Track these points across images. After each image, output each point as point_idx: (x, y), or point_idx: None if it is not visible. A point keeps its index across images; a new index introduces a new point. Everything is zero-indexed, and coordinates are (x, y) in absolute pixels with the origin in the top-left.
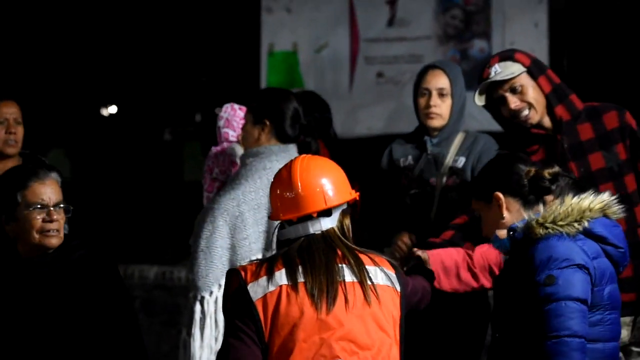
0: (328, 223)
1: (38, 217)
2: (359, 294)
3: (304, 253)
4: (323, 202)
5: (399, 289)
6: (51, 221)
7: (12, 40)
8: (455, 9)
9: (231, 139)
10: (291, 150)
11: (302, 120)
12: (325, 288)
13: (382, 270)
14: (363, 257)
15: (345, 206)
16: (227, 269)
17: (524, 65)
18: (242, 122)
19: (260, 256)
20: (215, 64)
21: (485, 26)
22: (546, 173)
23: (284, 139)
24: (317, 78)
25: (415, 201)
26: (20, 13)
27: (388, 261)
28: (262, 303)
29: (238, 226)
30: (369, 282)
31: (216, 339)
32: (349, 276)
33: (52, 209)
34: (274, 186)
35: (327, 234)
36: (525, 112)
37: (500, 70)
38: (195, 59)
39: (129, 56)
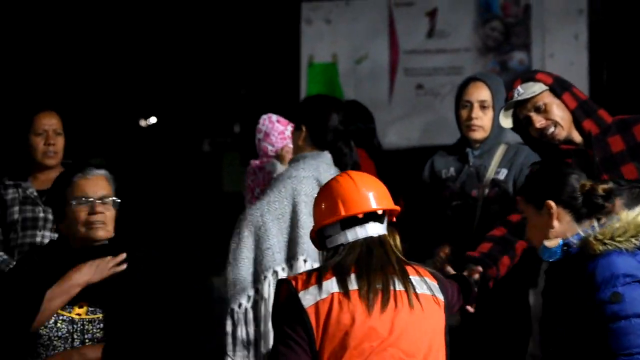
0: (381, 229)
1: (82, 210)
2: (406, 303)
3: (363, 259)
4: (369, 203)
5: (441, 298)
6: (95, 213)
7: (53, 50)
8: (494, 21)
9: (270, 153)
10: (324, 157)
11: (339, 126)
12: (380, 294)
13: (425, 280)
14: (408, 267)
15: (386, 221)
16: (252, 280)
17: (545, 83)
18: (281, 135)
19: (283, 266)
20: (255, 75)
21: (525, 38)
22: (600, 189)
23: (319, 145)
24: (356, 89)
25: (457, 213)
26: (62, 24)
27: (430, 272)
28: (315, 311)
29: (261, 236)
30: (413, 292)
31: (248, 351)
32: (398, 285)
33: (97, 201)
34: (318, 197)
35: (383, 239)
36: (551, 129)
37: (523, 91)
38: (235, 71)
39: (168, 68)
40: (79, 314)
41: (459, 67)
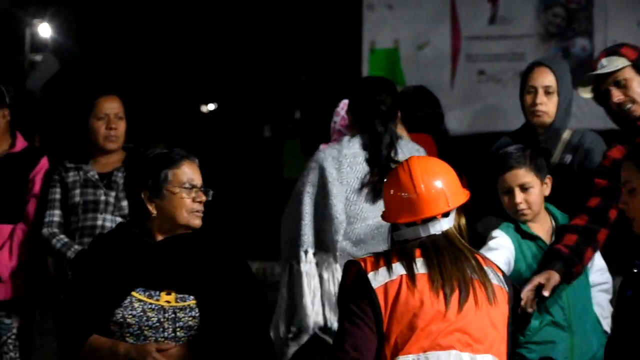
0: (446, 223)
1: (188, 196)
2: (479, 292)
3: (428, 249)
4: (446, 204)
5: (507, 290)
6: (200, 202)
7: (117, 36)
8: (557, 7)
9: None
10: (345, 144)
11: (379, 107)
12: (457, 284)
13: (492, 270)
14: (477, 256)
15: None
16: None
17: (628, 59)
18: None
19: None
20: (315, 62)
21: (587, 24)
22: None
23: (361, 126)
24: (418, 75)
25: None
26: (126, 11)
27: (495, 264)
28: (384, 291)
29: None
30: (485, 280)
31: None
32: (471, 272)
33: (200, 190)
34: (390, 187)
35: (447, 234)
36: (629, 105)
37: (606, 64)
38: (295, 57)
39: (230, 54)
40: (168, 301)
41: (520, 53)
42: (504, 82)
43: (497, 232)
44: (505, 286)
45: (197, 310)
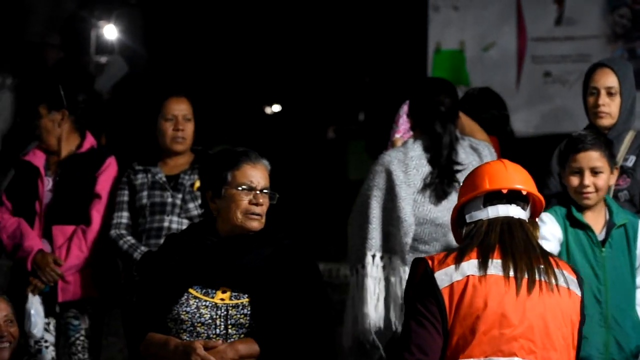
0: (522, 214)
1: (245, 198)
2: (545, 294)
3: (505, 238)
4: (514, 182)
5: (579, 293)
6: (257, 204)
7: (183, 39)
8: (623, 8)
9: (395, 135)
10: (408, 148)
11: (439, 108)
12: (525, 281)
13: (564, 273)
14: (550, 257)
15: (529, 212)
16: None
17: None
18: (408, 120)
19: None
20: (380, 63)
21: None
22: None
23: (422, 128)
24: (483, 77)
25: None
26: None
27: (569, 265)
28: (449, 291)
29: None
30: (554, 283)
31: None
32: (542, 274)
33: (258, 192)
34: (465, 180)
35: (523, 223)
36: None
37: None
38: (360, 58)
39: (294, 55)
40: (222, 299)
41: (586, 54)
42: (570, 83)
43: (546, 217)
44: (578, 290)
45: (249, 309)
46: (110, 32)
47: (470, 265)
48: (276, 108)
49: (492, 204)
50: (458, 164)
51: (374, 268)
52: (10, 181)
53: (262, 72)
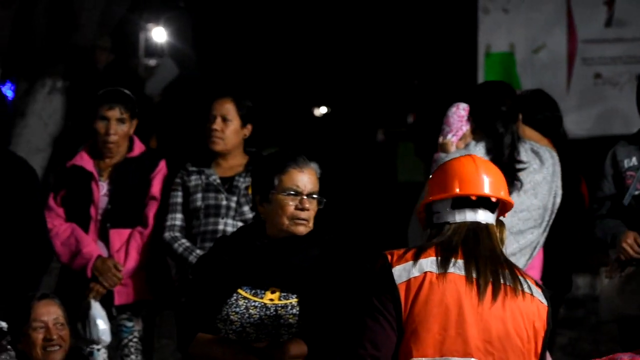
0: (491, 219)
1: (291, 203)
2: (508, 298)
3: (469, 243)
4: (485, 188)
5: (546, 304)
6: (303, 209)
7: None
8: None
9: (445, 134)
10: (469, 150)
11: (501, 111)
12: (491, 284)
13: (528, 282)
14: (513, 267)
15: (497, 214)
16: None
17: None
18: (460, 119)
19: None
20: (429, 65)
21: None
22: None
23: (484, 131)
24: (533, 79)
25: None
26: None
27: (533, 279)
28: (405, 287)
29: None
30: (519, 289)
31: None
32: (507, 279)
33: (305, 197)
34: (435, 174)
35: (490, 229)
36: None
37: None
38: (408, 61)
39: (342, 58)
40: (271, 299)
41: (637, 56)
42: (620, 85)
43: None
44: (543, 299)
45: (298, 309)
46: (159, 35)
47: (429, 262)
48: (325, 110)
49: (460, 207)
50: (520, 162)
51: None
52: (55, 186)
53: (312, 74)
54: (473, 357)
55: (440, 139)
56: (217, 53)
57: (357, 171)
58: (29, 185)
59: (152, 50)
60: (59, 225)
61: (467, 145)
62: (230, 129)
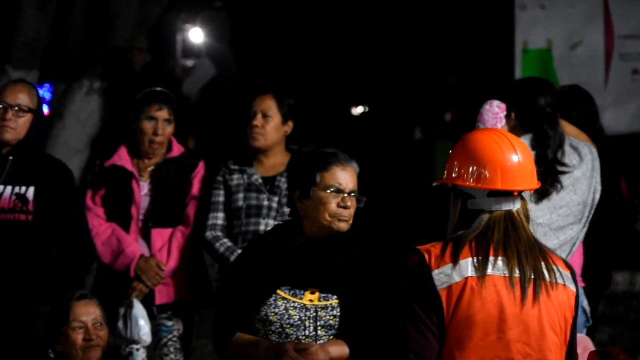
0: (519, 203)
1: (333, 200)
2: (545, 294)
3: (508, 239)
4: (536, 181)
5: (574, 289)
6: (345, 207)
7: (270, 41)
8: None
9: None
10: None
11: (545, 108)
12: (532, 283)
13: (560, 270)
14: (546, 253)
15: None
16: None
17: None
18: (494, 116)
19: None
20: (466, 63)
21: None
22: None
23: (526, 128)
24: (571, 75)
25: None
26: (278, 16)
27: (562, 259)
28: (447, 293)
29: None
30: (554, 281)
31: None
32: (545, 273)
33: (346, 195)
34: (485, 153)
35: (521, 215)
36: None
37: None
38: (445, 58)
39: (380, 56)
40: (311, 300)
41: None
42: None
43: None
44: (572, 285)
45: (338, 310)
46: (196, 35)
47: (469, 265)
48: (362, 109)
49: (497, 196)
50: (563, 164)
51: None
52: (93, 186)
53: (349, 73)
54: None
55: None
56: (255, 52)
57: (394, 170)
58: (67, 187)
59: (189, 51)
60: (98, 226)
61: None
62: (270, 125)
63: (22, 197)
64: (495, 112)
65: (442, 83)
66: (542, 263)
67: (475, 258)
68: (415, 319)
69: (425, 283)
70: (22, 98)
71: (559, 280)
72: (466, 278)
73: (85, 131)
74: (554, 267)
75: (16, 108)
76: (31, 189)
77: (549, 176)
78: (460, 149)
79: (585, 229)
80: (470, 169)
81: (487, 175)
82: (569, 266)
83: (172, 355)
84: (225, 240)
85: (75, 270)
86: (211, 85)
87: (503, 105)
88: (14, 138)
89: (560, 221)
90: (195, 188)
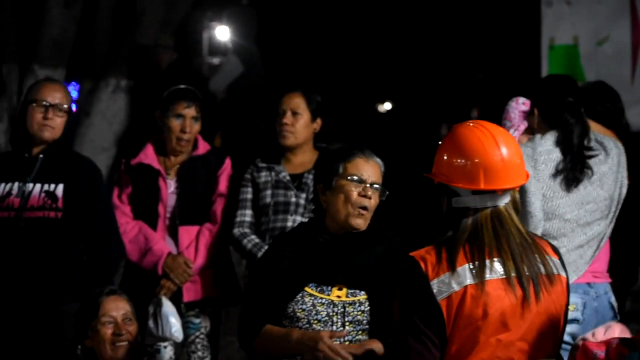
0: (507, 198)
1: (354, 189)
2: (543, 290)
3: (499, 238)
4: (524, 176)
5: (564, 275)
6: (365, 196)
7: (297, 38)
8: None
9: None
10: (538, 140)
11: (570, 105)
12: (531, 282)
13: (552, 259)
14: (538, 242)
15: None
16: None
17: None
18: (521, 113)
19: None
20: (492, 59)
21: None
22: None
23: (551, 124)
24: (597, 71)
25: None
26: (304, 14)
27: (550, 245)
28: (447, 303)
29: None
30: (550, 273)
31: None
32: (542, 267)
33: (368, 185)
34: (465, 147)
35: (508, 210)
36: None
37: None
38: (472, 55)
39: (406, 53)
40: (338, 296)
41: None
42: None
43: None
44: (563, 271)
45: (366, 305)
46: (222, 33)
47: (466, 272)
48: (389, 106)
49: (482, 193)
50: (590, 149)
51: None
52: (120, 184)
53: (375, 70)
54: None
55: (507, 125)
56: (281, 50)
57: (421, 167)
58: (96, 185)
59: (216, 49)
60: (125, 224)
61: (532, 139)
62: (300, 123)
63: (51, 195)
64: (521, 109)
65: (469, 80)
66: (536, 256)
67: (471, 264)
68: (416, 331)
69: (424, 294)
70: (61, 98)
71: (554, 271)
72: (465, 286)
73: (111, 129)
74: (548, 257)
75: (57, 108)
76: (60, 187)
77: (578, 162)
78: (446, 144)
79: (612, 225)
80: (455, 166)
81: (470, 174)
82: (556, 252)
83: (199, 353)
84: (253, 236)
85: (103, 269)
86: (238, 83)
87: (528, 102)
88: (52, 137)
89: (588, 217)
90: (222, 185)
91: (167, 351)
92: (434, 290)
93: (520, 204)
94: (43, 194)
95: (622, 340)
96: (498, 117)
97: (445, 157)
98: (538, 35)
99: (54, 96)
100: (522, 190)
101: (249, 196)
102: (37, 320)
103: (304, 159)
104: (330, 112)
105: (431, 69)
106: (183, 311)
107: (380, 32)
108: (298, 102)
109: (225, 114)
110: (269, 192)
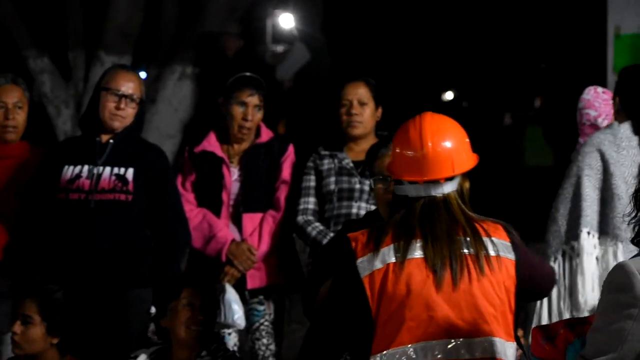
0: (449, 187)
1: (381, 188)
2: (472, 269)
3: (425, 222)
4: (451, 169)
5: (513, 258)
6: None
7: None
8: None
9: (591, 120)
10: (614, 130)
11: None
12: (448, 262)
13: (493, 240)
14: (477, 225)
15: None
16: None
17: None
18: (605, 102)
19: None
20: (557, 48)
21: None
22: None
23: (630, 115)
24: None
25: None
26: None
27: (504, 227)
28: (369, 280)
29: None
30: (483, 254)
31: None
32: (466, 249)
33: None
34: (398, 142)
35: (447, 199)
36: None
37: None
38: (536, 44)
39: (470, 42)
40: None
41: None
42: None
43: None
44: (511, 254)
45: None
46: (286, 20)
47: (390, 251)
48: (452, 95)
49: (416, 183)
50: None
51: (590, 245)
52: (183, 172)
53: (439, 58)
54: (446, 338)
55: (582, 120)
56: (347, 37)
57: (484, 155)
58: (164, 171)
59: (280, 37)
60: (189, 211)
61: (610, 126)
62: (367, 112)
63: (121, 178)
64: (605, 98)
65: (532, 69)
66: (467, 238)
67: (396, 244)
68: (337, 303)
69: (349, 271)
70: (134, 88)
71: (492, 252)
72: (388, 264)
73: (177, 116)
74: (485, 239)
75: (130, 99)
76: (130, 171)
77: None
78: (400, 139)
79: None
80: (393, 155)
81: (399, 165)
82: (510, 235)
83: (264, 340)
84: (317, 224)
85: (171, 254)
86: (305, 71)
87: (608, 91)
88: (121, 127)
89: None
90: (286, 172)
91: (231, 338)
92: (359, 268)
93: (608, 188)
94: (114, 177)
95: (568, 325)
96: (562, 105)
97: (398, 153)
98: (604, 24)
99: (127, 86)
100: (608, 174)
101: (312, 184)
102: (104, 302)
103: (366, 146)
104: (395, 101)
105: (495, 57)
106: (247, 298)
107: (444, 21)
108: (363, 92)
109: (291, 101)
110: (332, 178)
